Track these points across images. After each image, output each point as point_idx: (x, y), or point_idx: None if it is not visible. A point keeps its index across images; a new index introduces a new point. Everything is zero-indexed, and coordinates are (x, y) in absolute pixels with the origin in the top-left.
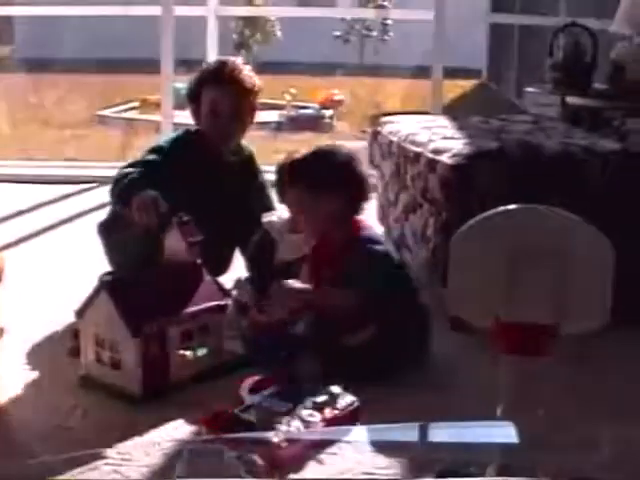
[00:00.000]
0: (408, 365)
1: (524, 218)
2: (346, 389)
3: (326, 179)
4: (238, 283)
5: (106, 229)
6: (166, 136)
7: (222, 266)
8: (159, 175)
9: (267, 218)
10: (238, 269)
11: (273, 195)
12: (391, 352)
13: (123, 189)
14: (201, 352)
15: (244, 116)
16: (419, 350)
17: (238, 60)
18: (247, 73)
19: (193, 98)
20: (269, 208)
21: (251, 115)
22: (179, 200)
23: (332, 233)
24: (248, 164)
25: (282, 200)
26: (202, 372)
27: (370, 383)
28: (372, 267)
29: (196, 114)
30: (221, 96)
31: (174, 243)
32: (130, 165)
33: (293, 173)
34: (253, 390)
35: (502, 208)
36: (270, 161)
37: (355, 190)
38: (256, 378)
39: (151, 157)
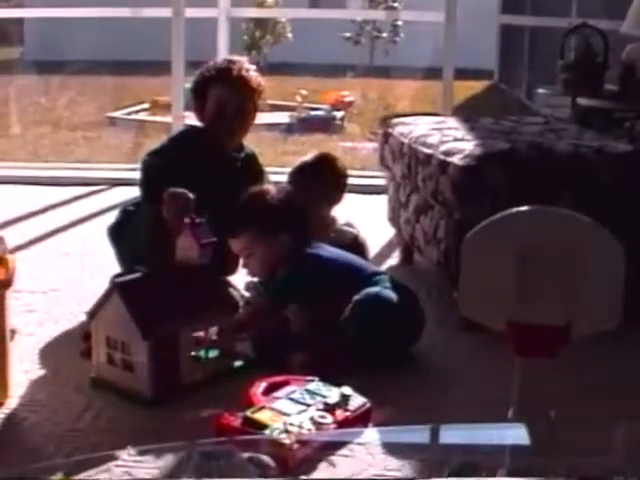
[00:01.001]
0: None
1: (535, 219)
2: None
3: (264, 224)
4: (248, 284)
5: (116, 232)
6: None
7: (230, 265)
8: (176, 166)
9: None
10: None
11: None
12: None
13: (151, 184)
14: (212, 354)
15: (249, 115)
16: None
17: (245, 59)
18: (253, 73)
19: (198, 94)
20: None
21: (254, 115)
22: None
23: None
24: (251, 163)
25: None
26: (213, 374)
27: (378, 383)
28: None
29: (200, 110)
30: (229, 94)
31: (186, 245)
32: (150, 154)
33: (236, 224)
34: (264, 392)
35: (513, 209)
36: (280, 163)
37: (297, 225)
38: (267, 380)
39: (168, 145)
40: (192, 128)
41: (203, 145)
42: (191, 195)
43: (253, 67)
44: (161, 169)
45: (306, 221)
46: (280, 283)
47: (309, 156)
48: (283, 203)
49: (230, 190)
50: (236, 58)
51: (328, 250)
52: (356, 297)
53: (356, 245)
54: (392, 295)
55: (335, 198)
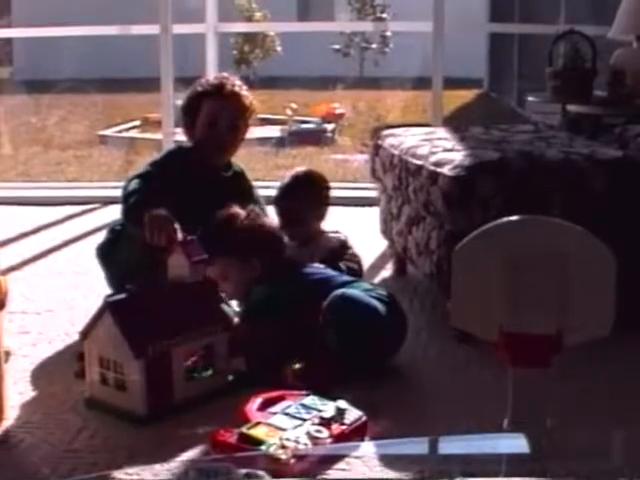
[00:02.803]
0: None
1: (525, 229)
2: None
3: (235, 250)
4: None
5: (105, 252)
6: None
7: None
8: (157, 186)
9: None
10: None
11: (267, 209)
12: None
13: (132, 207)
14: (206, 372)
15: (240, 131)
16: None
17: (236, 78)
18: (245, 92)
19: (190, 110)
20: None
21: (244, 133)
22: (175, 215)
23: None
24: (240, 180)
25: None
26: (208, 391)
27: (374, 396)
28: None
29: (190, 128)
30: (221, 108)
31: (178, 263)
32: (132, 179)
33: (209, 250)
34: (260, 407)
35: (503, 219)
36: (271, 177)
37: (268, 247)
38: (262, 395)
39: (148, 169)
40: (179, 148)
41: (190, 164)
42: (169, 215)
43: (245, 87)
44: (141, 192)
45: (277, 242)
46: (252, 301)
47: (286, 178)
48: (252, 227)
49: (219, 209)
50: (228, 75)
51: (301, 266)
52: (325, 302)
53: (343, 248)
54: (357, 292)
55: (320, 213)
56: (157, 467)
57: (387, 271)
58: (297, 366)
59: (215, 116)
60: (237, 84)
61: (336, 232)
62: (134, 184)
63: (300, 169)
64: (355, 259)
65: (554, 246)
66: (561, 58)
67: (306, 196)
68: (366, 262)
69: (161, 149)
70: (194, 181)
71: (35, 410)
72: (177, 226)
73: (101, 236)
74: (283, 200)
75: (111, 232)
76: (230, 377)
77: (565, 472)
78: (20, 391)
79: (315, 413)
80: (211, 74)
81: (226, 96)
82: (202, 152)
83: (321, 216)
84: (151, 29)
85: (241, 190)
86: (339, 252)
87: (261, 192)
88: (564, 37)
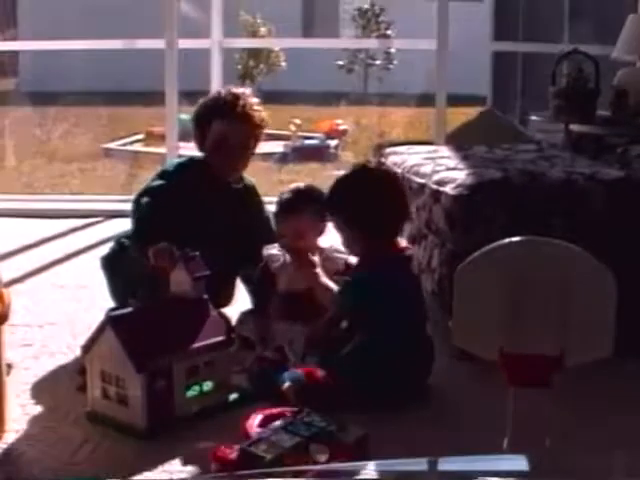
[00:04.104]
0: (404, 393)
1: (527, 250)
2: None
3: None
4: (242, 317)
5: (109, 263)
6: (171, 161)
7: (225, 297)
8: (167, 202)
9: (267, 250)
10: (242, 302)
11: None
12: (378, 377)
13: (138, 237)
14: (207, 387)
15: (250, 151)
16: (416, 379)
17: (248, 92)
18: (257, 108)
19: (200, 124)
20: (271, 241)
21: (255, 147)
22: (184, 228)
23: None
24: (251, 196)
25: (280, 230)
26: (209, 407)
27: (373, 415)
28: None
29: (201, 141)
30: (232, 131)
31: (180, 278)
32: (142, 195)
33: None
34: (260, 424)
35: (505, 240)
36: (275, 192)
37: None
38: (263, 412)
39: (159, 183)
40: (190, 160)
41: (203, 177)
42: (174, 249)
43: (256, 100)
44: (149, 217)
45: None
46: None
47: (286, 192)
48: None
49: (231, 222)
50: (240, 91)
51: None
52: (362, 344)
53: (348, 269)
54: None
55: (320, 229)
56: None
57: None
58: (299, 386)
59: (225, 138)
60: (248, 102)
61: (337, 251)
62: (145, 204)
63: (300, 184)
64: None
65: (555, 267)
66: (564, 77)
67: (307, 210)
68: None
69: (164, 163)
70: (204, 195)
71: (37, 423)
72: (178, 254)
73: (104, 249)
74: (285, 213)
75: (117, 244)
76: (233, 395)
77: None
78: (22, 404)
79: (315, 430)
80: (215, 89)
81: (236, 117)
82: (212, 169)
83: (321, 232)
84: (157, 44)
85: (251, 204)
86: (342, 274)
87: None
88: (568, 56)
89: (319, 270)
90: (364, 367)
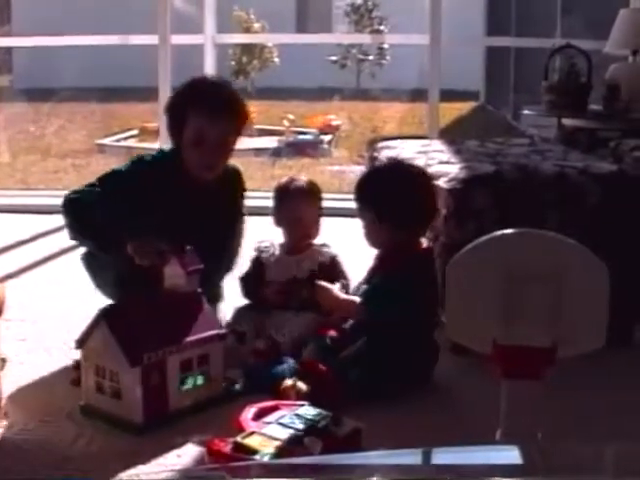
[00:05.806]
0: (407, 388)
1: (519, 242)
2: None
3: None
4: (236, 312)
5: (89, 261)
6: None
7: (213, 292)
8: (128, 203)
9: (259, 242)
10: (235, 297)
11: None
12: (383, 374)
13: (107, 240)
14: (201, 380)
15: (230, 147)
16: (418, 377)
17: (229, 82)
18: (238, 98)
19: (175, 116)
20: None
21: (234, 143)
22: (162, 227)
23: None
24: (233, 184)
25: (278, 215)
26: (203, 400)
27: (370, 407)
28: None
29: (175, 134)
30: (209, 126)
31: (173, 272)
32: (79, 193)
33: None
34: (254, 417)
35: (498, 233)
36: (268, 187)
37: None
38: (257, 405)
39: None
40: (162, 154)
41: (176, 173)
42: (153, 238)
43: (236, 90)
44: (109, 220)
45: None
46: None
47: (284, 179)
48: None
49: (210, 219)
50: (219, 79)
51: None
52: (366, 347)
53: (333, 265)
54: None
55: (316, 216)
56: (152, 475)
57: None
58: (301, 386)
59: (202, 134)
60: (227, 92)
61: (326, 246)
62: (99, 208)
63: (297, 176)
64: (344, 279)
65: (548, 259)
66: (557, 72)
67: (306, 195)
68: (361, 274)
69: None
70: (179, 192)
71: (31, 417)
72: (163, 244)
73: None
74: (284, 197)
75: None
76: (227, 389)
77: None
78: (16, 398)
79: (309, 423)
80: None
81: (214, 110)
82: (187, 169)
83: (316, 222)
84: (150, 39)
85: (230, 196)
86: (328, 267)
87: (257, 202)
88: (560, 51)
89: (336, 291)
90: (371, 367)
